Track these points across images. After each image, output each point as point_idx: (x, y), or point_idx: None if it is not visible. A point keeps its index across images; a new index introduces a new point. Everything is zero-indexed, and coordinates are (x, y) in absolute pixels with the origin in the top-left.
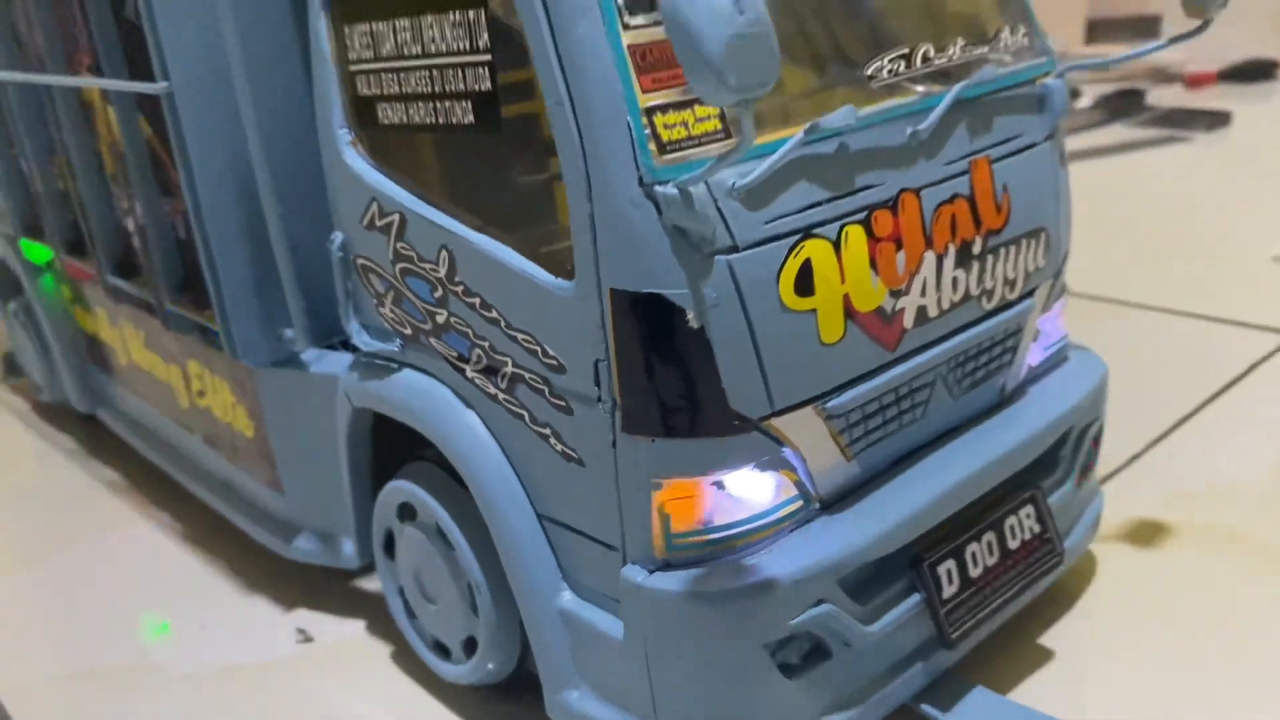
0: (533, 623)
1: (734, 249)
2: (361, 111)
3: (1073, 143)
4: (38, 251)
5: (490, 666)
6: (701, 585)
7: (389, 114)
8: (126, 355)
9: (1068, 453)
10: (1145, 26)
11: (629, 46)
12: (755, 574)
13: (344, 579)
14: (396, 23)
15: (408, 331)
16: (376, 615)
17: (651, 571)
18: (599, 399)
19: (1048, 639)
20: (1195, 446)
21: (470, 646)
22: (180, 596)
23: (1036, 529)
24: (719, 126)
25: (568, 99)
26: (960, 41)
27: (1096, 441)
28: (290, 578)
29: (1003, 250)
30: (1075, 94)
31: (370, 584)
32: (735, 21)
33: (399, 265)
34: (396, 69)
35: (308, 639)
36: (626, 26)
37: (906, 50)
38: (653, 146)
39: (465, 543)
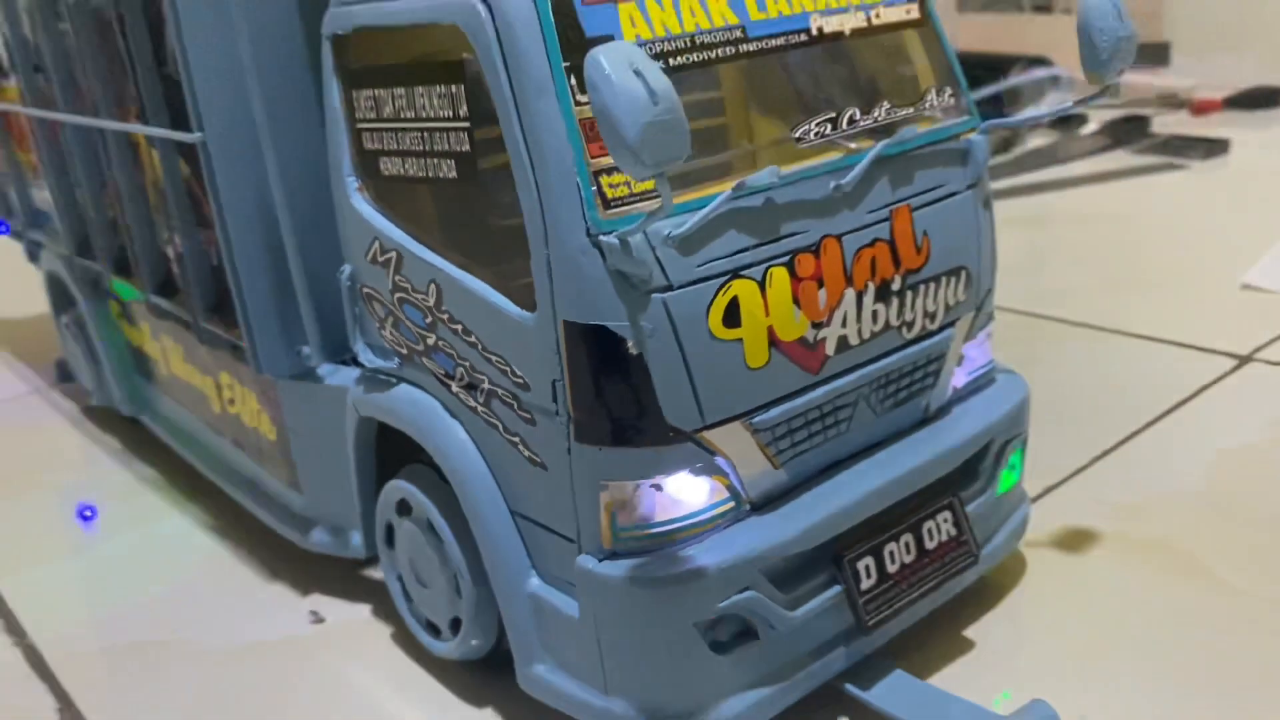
0: (505, 604)
1: (669, 288)
2: (366, 163)
3: (1075, 169)
4: (126, 290)
5: (473, 643)
6: (641, 572)
7: (389, 166)
8: (167, 366)
9: (988, 465)
10: (1155, 53)
11: (580, 120)
12: (687, 563)
13: (353, 567)
14: (394, 91)
15: (404, 351)
16: (380, 600)
17: (601, 560)
18: (556, 412)
19: (971, 632)
20: (1138, 462)
21: (456, 626)
22: (209, 581)
23: (953, 532)
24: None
25: (529, 163)
26: (886, 105)
27: (1020, 454)
28: (306, 566)
29: (922, 287)
30: (1082, 120)
31: (375, 573)
32: (650, 111)
33: (396, 295)
34: (394, 129)
35: (320, 620)
36: (578, 103)
37: (834, 114)
38: (599, 203)
39: (451, 535)
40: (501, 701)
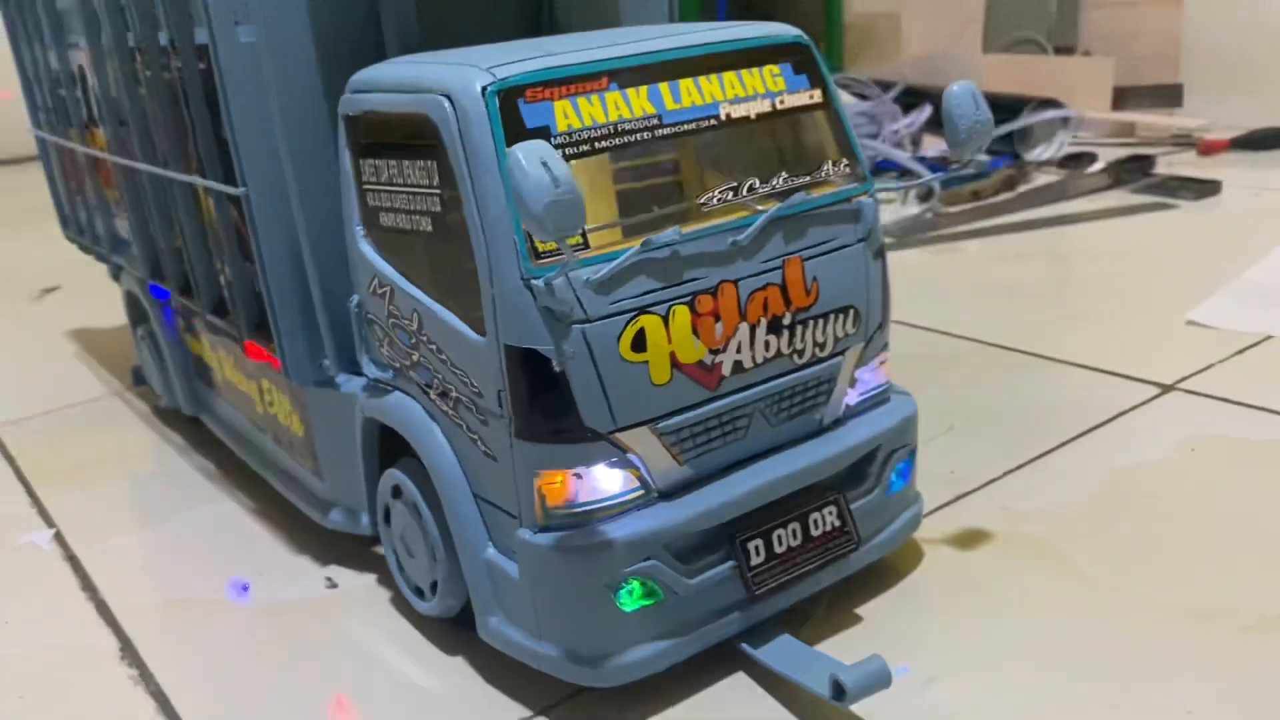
0: (468, 569)
1: (587, 320)
2: (369, 216)
3: (1074, 206)
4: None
5: (448, 602)
6: (564, 542)
7: (386, 219)
8: (222, 373)
9: (875, 470)
10: (1168, 94)
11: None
12: (599, 536)
13: (363, 543)
14: (390, 161)
15: (396, 366)
16: (384, 570)
17: (535, 533)
18: (501, 415)
19: (862, 610)
20: (1043, 475)
21: (434, 589)
22: (248, 552)
23: (837, 524)
24: (579, 240)
25: (479, 222)
26: (784, 174)
27: (909, 462)
28: (327, 541)
29: (811, 322)
30: (1092, 158)
31: (381, 548)
32: (552, 193)
33: (390, 320)
34: (390, 190)
35: (333, 585)
36: None
37: (735, 184)
38: (530, 254)
39: (429, 513)
40: (468, 651)
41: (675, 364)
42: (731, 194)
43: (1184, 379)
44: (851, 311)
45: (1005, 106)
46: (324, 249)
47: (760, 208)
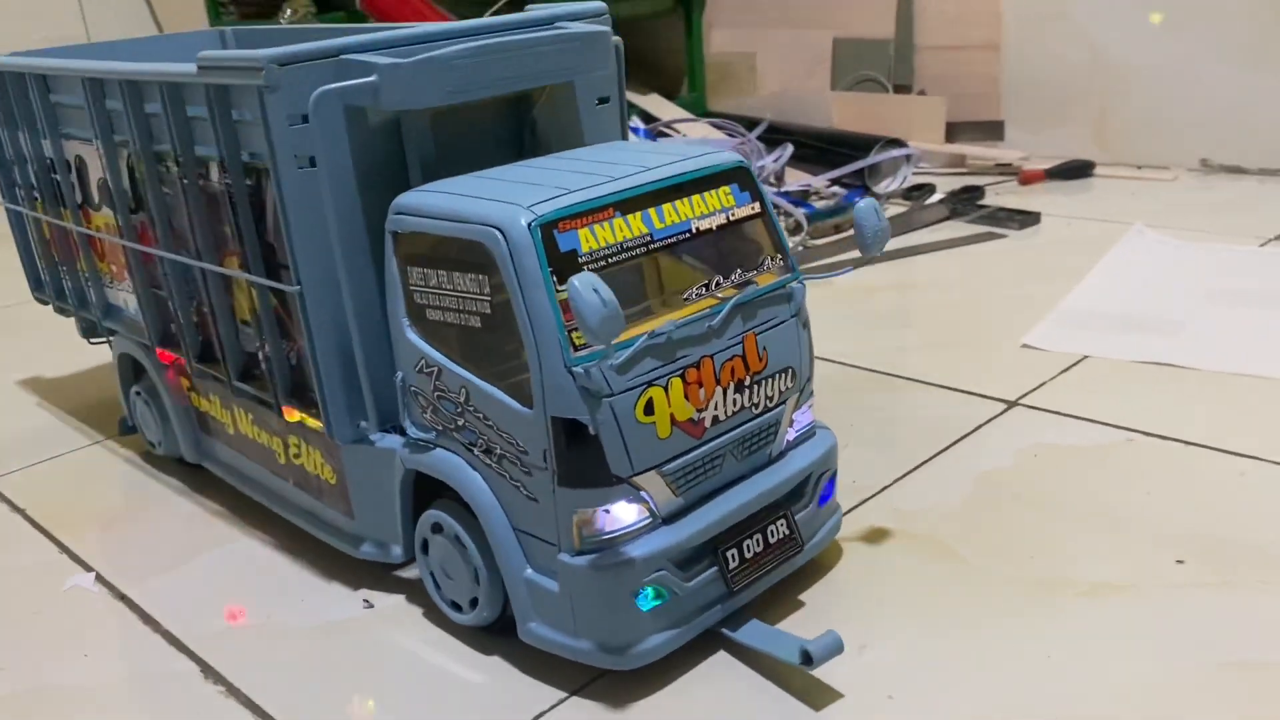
0: (511, 587)
1: (612, 395)
2: (416, 311)
3: (918, 237)
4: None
5: (485, 614)
6: (597, 562)
7: (433, 314)
8: (234, 427)
9: (809, 488)
10: (991, 129)
11: (560, 301)
12: (623, 556)
13: (385, 569)
14: (439, 270)
15: (440, 428)
16: (411, 589)
17: (573, 556)
18: (545, 468)
19: (804, 596)
20: (923, 482)
21: (473, 603)
22: (284, 584)
23: (786, 533)
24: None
25: (529, 324)
26: (739, 271)
27: (832, 481)
28: (351, 569)
29: (763, 381)
30: (931, 189)
31: (406, 572)
32: (602, 311)
33: (436, 394)
34: (438, 292)
35: (370, 605)
36: (559, 290)
37: (707, 281)
38: (570, 348)
39: (473, 544)
40: (501, 650)
41: (673, 422)
42: (705, 289)
43: (1024, 395)
44: (790, 370)
45: (855, 145)
46: (365, 331)
47: (722, 296)
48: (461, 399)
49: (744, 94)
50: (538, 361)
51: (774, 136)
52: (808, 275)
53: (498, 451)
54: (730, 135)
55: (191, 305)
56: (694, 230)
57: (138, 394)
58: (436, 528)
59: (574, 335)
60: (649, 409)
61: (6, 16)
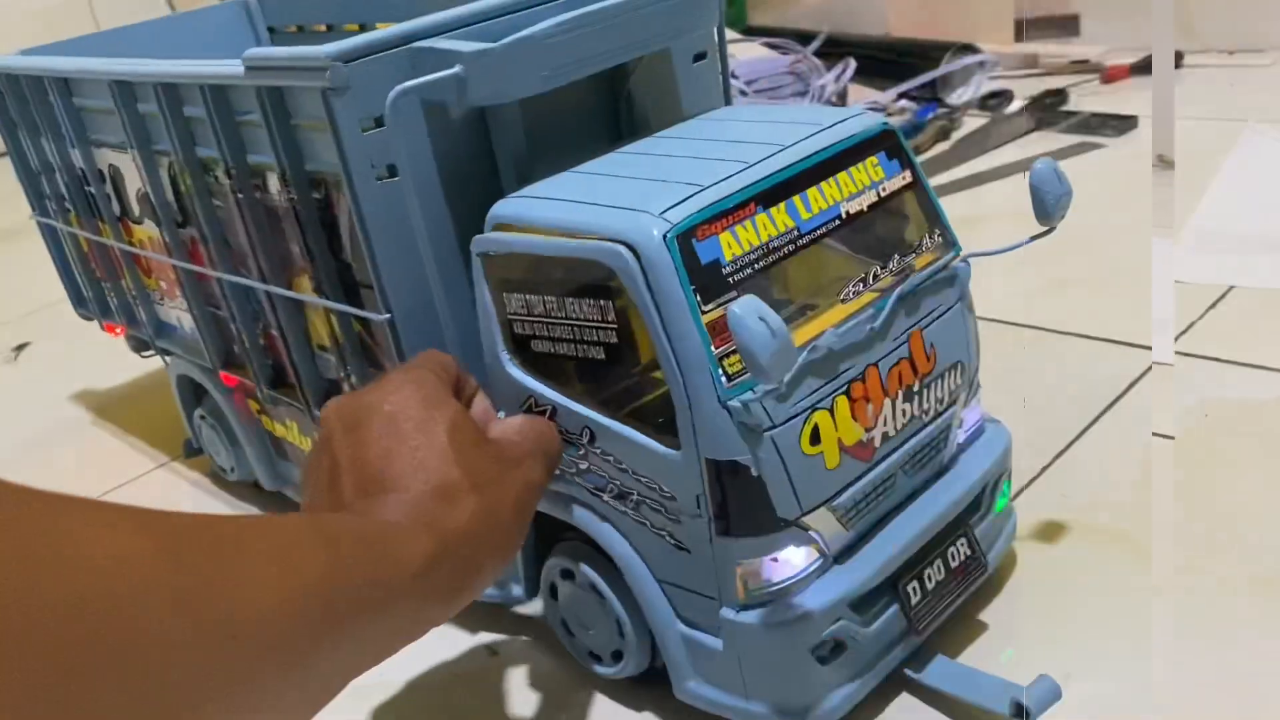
0: (663, 643)
1: (774, 427)
2: (518, 342)
3: (1004, 155)
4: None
5: (630, 668)
6: (769, 618)
7: (539, 346)
8: None
9: (986, 497)
10: (1066, 24)
11: (707, 323)
12: (799, 609)
13: (504, 610)
14: (545, 296)
15: (559, 473)
16: (531, 631)
17: (738, 611)
18: (699, 515)
19: (983, 616)
20: (1085, 459)
21: (617, 656)
22: None
23: (968, 553)
24: None
25: (673, 356)
26: (897, 256)
27: (1009, 483)
28: (464, 613)
29: (932, 384)
30: (1010, 96)
31: (524, 610)
32: (772, 344)
33: None
34: (546, 322)
35: (495, 653)
36: (704, 312)
37: (864, 274)
38: (724, 379)
39: (613, 595)
40: (655, 704)
41: (842, 448)
42: (862, 285)
43: (1174, 339)
44: (960, 366)
45: (922, 54)
46: (469, 359)
47: (881, 289)
48: (585, 440)
49: (787, 3)
50: (685, 398)
51: (832, 50)
52: (971, 254)
53: (634, 497)
54: (785, 54)
55: (257, 326)
56: (844, 215)
57: (202, 418)
58: (566, 574)
59: (725, 362)
60: (815, 438)
61: None
